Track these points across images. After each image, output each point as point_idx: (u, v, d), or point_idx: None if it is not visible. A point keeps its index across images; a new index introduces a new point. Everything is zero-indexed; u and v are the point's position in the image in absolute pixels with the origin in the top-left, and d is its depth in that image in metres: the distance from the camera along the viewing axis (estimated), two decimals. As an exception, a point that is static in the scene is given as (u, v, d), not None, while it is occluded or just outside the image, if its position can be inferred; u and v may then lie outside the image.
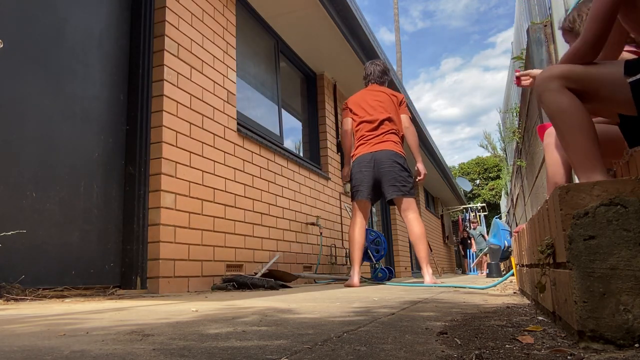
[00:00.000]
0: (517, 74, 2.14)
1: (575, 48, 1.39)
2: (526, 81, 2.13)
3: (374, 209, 8.06)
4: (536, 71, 2.11)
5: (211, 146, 3.35)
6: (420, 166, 4.05)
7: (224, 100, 3.60)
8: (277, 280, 3.29)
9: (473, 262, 15.14)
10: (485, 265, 10.23)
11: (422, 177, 4.05)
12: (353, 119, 4.10)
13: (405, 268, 8.63)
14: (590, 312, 0.85)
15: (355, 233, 3.91)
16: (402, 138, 4.07)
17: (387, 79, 4.30)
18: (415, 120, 8.01)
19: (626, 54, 1.67)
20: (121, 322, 1.27)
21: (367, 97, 4.09)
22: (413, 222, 3.81)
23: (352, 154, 4.10)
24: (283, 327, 1.14)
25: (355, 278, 3.75)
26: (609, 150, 1.66)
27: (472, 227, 14.90)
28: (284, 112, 4.96)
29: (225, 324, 1.21)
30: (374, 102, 4.02)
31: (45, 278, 2.25)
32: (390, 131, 3.95)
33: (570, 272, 0.89)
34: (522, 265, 2.37)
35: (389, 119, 3.96)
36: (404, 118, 4.07)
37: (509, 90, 8.02)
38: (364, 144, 3.97)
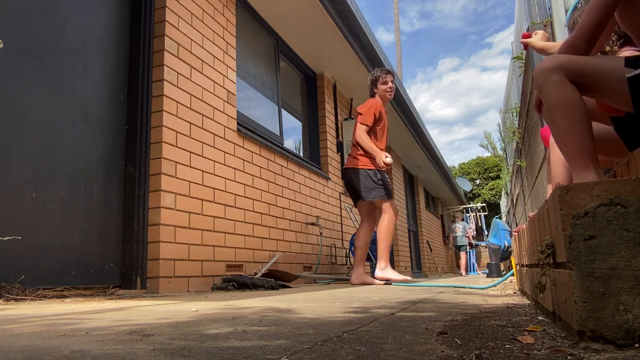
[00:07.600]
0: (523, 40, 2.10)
1: (570, 40, 1.37)
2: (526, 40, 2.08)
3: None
4: (537, 38, 2.03)
5: (211, 146, 3.35)
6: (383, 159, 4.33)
7: (224, 100, 3.60)
8: (277, 280, 3.28)
9: (474, 261, 15.01)
10: (463, 265, 9.90)
11: (384, 166, 4.28)
12: None
13: (405, 268, 8.63)
14: (590, 312, 0.85)
15: (358, 235, 4.35)
16: (363, 153, 4.29)
17: (371, 88, 4.53)
18: (414, 120, 8.01)
19: (628, 54, 1.66)
20: (121, 322, 1.27)
21: None
22: (381, 220, 4.23)
23: None
24: (283, 327, 1.14)
25: (354, 276, 4.11)
26: (609, 150, 1.65)
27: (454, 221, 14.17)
28: (284, 112, 4.96)
29: (225, 324, 1.21)
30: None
31: (45, 278, 2.24)
32: (354, 151, 4.37)
33: (570, 272, 0.89)
34: (522, 265, 2.37)
35: (354, 144, 4.40)
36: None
37: (509, 90, 8.02)
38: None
